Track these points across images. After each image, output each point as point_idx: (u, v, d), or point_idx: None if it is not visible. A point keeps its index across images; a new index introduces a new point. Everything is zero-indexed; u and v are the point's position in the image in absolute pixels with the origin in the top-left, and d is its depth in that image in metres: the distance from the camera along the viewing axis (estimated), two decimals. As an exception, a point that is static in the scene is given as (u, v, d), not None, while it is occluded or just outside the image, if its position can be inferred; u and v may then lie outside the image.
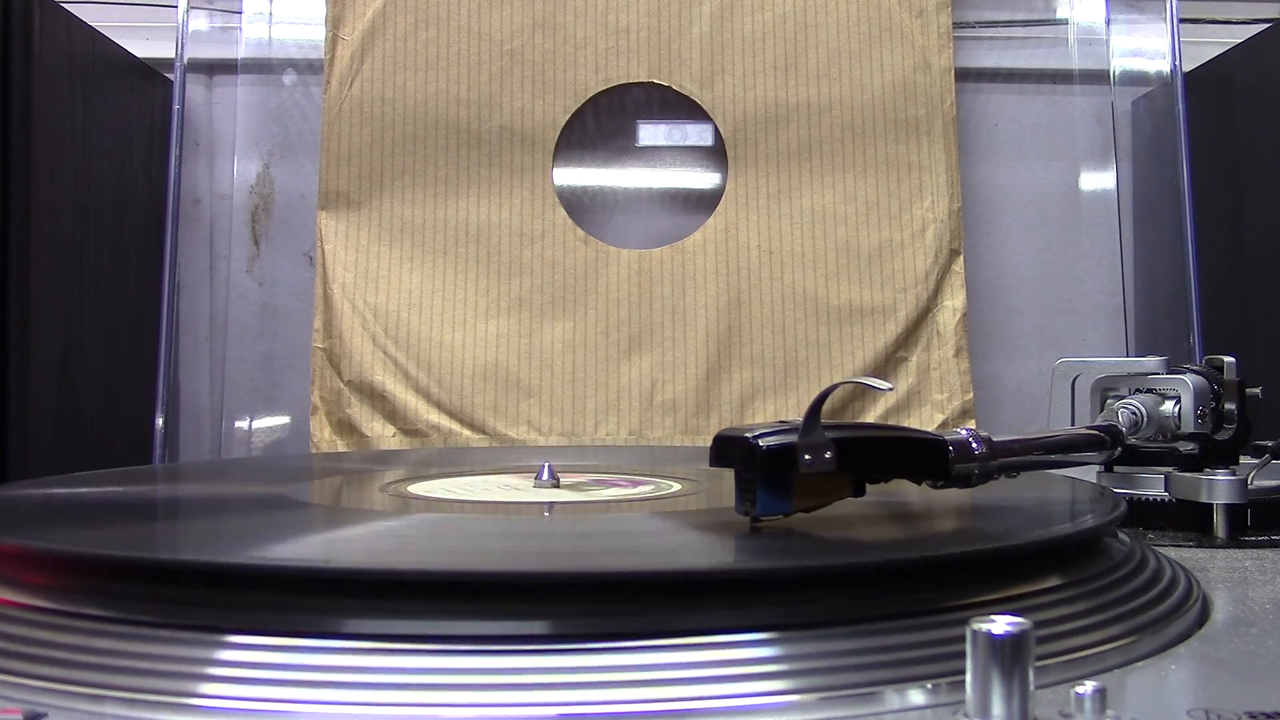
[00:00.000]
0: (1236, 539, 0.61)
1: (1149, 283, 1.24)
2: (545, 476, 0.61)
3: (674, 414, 1.11)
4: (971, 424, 1.11)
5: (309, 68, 1.20)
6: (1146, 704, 0.34)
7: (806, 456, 0.42)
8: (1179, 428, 0.65)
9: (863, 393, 1.10)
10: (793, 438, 0.42)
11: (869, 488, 0.46)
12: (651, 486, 0.61)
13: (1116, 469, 0.67)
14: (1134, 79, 1.25)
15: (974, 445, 0.46)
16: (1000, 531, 0.46)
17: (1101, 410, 0.68)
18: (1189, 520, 0.63)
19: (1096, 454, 0.57)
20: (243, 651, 0.34)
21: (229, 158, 1.22)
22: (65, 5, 1.03)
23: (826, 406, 0.43)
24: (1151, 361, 0.68)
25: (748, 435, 0.42)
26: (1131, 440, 0.65)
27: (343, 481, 0.66)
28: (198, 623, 0.35)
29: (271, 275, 1.21)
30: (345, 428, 1.11)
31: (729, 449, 0.43)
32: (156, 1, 1.22)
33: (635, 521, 0.51)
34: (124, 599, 0.37)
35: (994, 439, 0.48)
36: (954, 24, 1.17)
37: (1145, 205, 1.24)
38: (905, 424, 1.09)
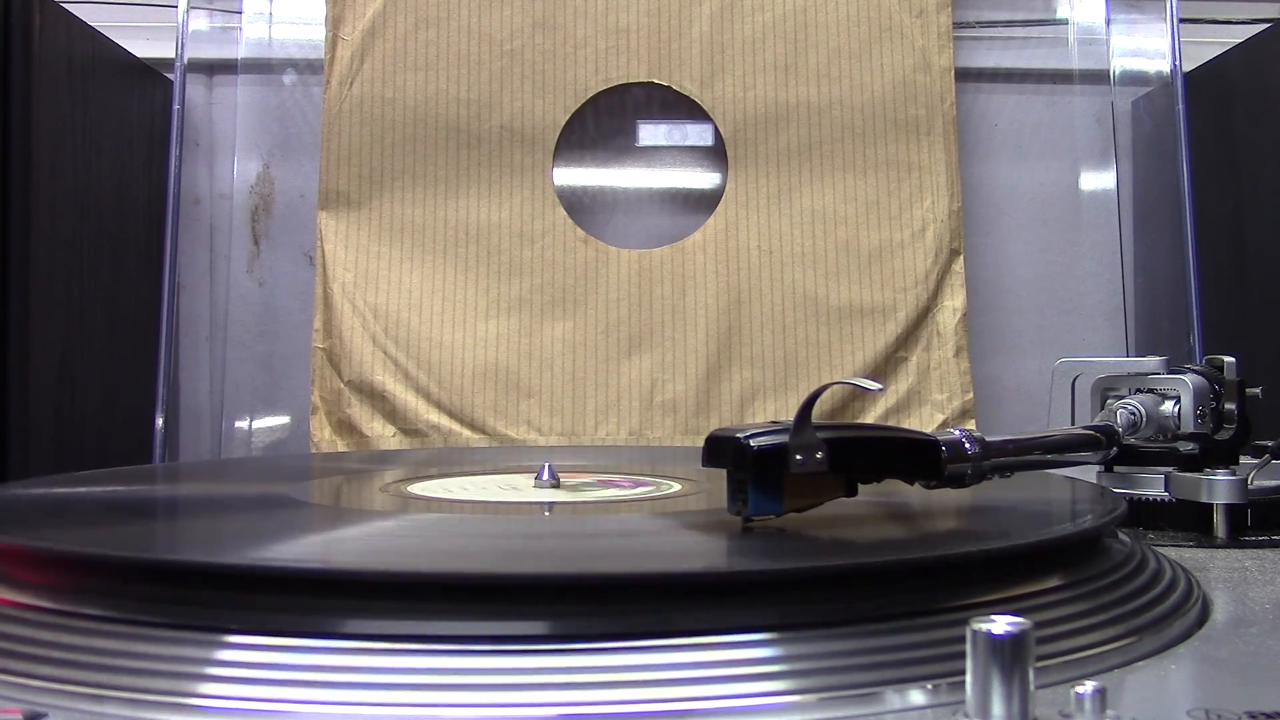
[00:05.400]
0: (1236, 539, 0.61)
1: (1149, 283, 1.23)
2: (545, 476, 0.61)
3: (674, 414, 1.11)
4: (971, 424, 1.11)
5: (309, 68, 1.20)
6: (1146, 704, 0.34)
7: (798, 457, 0.42)
8: (1179, 428, 0.65)
9: (861, 393, 1.10)
10: (784, 438, 0.42)
11: (869, 488, 0.46)
12: (651, 487, 0.61)
13: (1116, 469, 0.67)
14: (1134, 79, 1.25)
15: (967, 445, 0.46)
16: (1000, 531, 0.46)
17: (1101, 410, 0.68)
18: (1189, 520, 0.63)
19: (1092, 454, 0.57)
20: (243, 651, 0.34)
21: (229, 158, 1.22)
22: (65, 5, 1.03)
23: (825, 407, 0.43)
24: (1151, 361, 0.68)
25: (739, 436, 0.42)
26: (1131, 440, 0.65)
27: (343, 481, 0.66)
28: (198, 623, 0.35)
29: (271, 275, 1.21)
30: (345, 428, 1.11)
31: (721, 450, 0.43)
32: (156, 1, 1.22)
33: (635, 522, 0.51)
34: (124, 599, 0.37)
35: (987, 439, 0.48)
36: (954, 24, 1.17)
37: (1145, 205, 1.24)
38: (905, 424, 1.09)
